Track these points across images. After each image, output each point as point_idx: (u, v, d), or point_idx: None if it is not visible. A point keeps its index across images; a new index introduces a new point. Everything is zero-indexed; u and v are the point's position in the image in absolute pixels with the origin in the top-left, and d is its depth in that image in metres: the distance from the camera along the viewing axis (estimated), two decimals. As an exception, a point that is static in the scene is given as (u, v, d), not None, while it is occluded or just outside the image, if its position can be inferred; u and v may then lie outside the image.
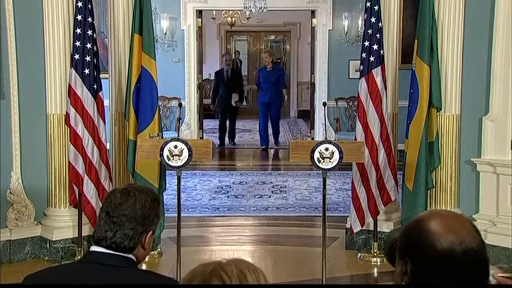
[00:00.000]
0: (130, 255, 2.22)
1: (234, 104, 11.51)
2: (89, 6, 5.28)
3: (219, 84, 11.55)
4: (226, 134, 11.79)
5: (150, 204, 2.24)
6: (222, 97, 11.53)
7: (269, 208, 7.50)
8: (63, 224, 5.50)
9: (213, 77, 13.22)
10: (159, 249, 5.71)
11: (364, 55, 5.45)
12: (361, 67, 5.50)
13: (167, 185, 5.69)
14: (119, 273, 2.17)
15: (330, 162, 4.76)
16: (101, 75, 5.48)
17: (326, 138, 5.31)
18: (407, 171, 5.40)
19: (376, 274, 5.38)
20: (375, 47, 5.41)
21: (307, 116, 13.67)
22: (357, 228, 5.58)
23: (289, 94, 15.38)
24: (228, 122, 11.74)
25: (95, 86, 5.33)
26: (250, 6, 10.11)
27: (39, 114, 5.47)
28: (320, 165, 4.78)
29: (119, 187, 2.57)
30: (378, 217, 5.57)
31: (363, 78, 5.45)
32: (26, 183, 5.50)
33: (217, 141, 11.54)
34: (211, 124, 13.65)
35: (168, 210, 6.07)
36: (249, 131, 13.79)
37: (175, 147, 4.80)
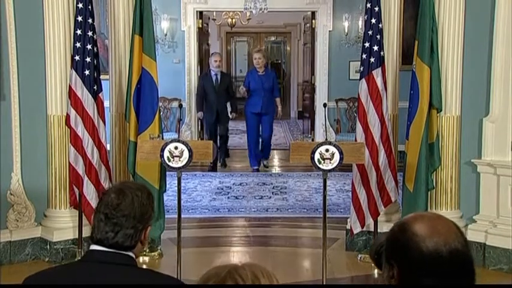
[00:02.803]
0: (130, 253, 2.23)
1: (231, 116, 9.81)
2: (89, 7, 5.29)
3: (206, 92, 9.47)
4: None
5: (146, 200, 2.25)
6: (211, 108, 9.44)
7: (269, 209, 7.49)
8: (64, 225, 5.50)
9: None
10: (159, 251, 5.71)
11: (364, 56, 5.45)
12: (362, 68, 5.50)
13: (167, 186, 5.69)
14: (122, 272, 2.17)
15: (330, 163, 4.77)
16: (101, 76, 5.48)
17: (326, 139, 5.31)
18: (408, 172, 5.40)
19: (376, 275, 5.37)
20: (375, 48, 5.41)
21: (307, 116, 13.64)
22: (357, 229, 5.58)
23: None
24: (218, 141, 9.65)
25: (95, 87, 5.33)
26: (250, 8, 10.13)
27: (39, 115, 5.47)
28: (320, 166, 4.78)
29: (111, 187, 2.54)
30: (378, 218, 5.56)
31: (363, 79, 5.45)
32: (27, 184, 5.50)
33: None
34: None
35: (168, 211, 6.05)
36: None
37: (176, 148, 4.80)
